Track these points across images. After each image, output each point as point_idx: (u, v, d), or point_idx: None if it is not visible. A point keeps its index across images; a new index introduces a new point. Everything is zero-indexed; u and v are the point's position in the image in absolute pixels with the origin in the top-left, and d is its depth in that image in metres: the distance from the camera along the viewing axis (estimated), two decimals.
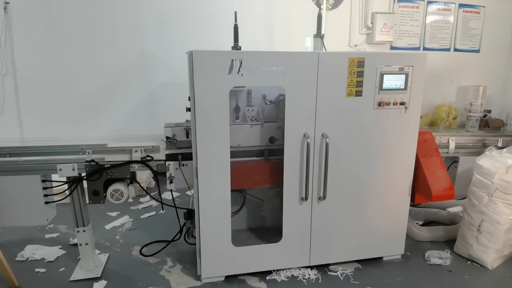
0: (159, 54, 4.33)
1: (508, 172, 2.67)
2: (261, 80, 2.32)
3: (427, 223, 3.51)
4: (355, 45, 5.02)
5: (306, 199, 2.52)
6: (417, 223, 3.44)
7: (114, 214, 3.71)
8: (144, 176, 4.20)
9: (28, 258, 2.90)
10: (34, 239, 3.18)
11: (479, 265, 2.82)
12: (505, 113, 5.32)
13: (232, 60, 2.22)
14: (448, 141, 3.11)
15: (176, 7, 4.30)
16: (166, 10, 4.29)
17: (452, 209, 3.62)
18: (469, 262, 2.87)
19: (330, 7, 4.81)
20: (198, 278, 2.62)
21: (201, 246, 2.50)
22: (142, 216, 3.67)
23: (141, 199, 4.06)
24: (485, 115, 5.35)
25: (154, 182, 4.33)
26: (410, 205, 3.49)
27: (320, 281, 2.61)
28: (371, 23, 4.88)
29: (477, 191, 2.76)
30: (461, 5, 5.20)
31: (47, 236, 3.27)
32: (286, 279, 2.62)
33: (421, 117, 5.51)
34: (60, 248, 3.05)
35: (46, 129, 4.25)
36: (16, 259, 2.89)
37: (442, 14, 5.18)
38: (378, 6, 4.87)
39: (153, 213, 3.74)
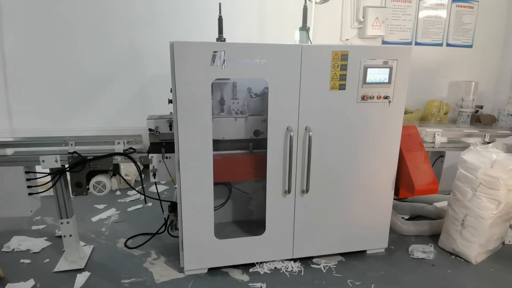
0: (150, 46, 4.30)
1: (493, 167, 2.68)
2: (244, 72, 2.31)
3: (413, 218, 3.53)
4: (347, 39, 5.00)
5: (289, 192, 2.52)
6: (403, 217, 3.46)
7: (101, 206, 3.72)
8: (132, 169, 4.20)
9: (14, 249, 2.90)
10: (20, 231, 3.18)
11: (463, 260, 2.83)
12: (497, 109, 5.35)
13: (214, 51, 2.21)
14: (434, 136, 3.10)
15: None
16: (157, 2, 4.26)
17: (439, 204, 3.63)
18: (453, 256, 2.88)
19: (322, 1, 4.78)
20: (181, 270, 2.62)
21: (184, 239, 2.50)
22: (129, 209, 3.67)
23: (129, 192, 4.07)
24: (477, 111, 5.37)
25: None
26: (396, 199, 3.52)
27: (302, 274, 2.63)
28: (363, 17, 4.86)
29: (461, 185, 2.77)
30: (454, 0, 5.18)
31: (34, 227, 3.27)
32: (269, 272, 2.63)
33: (412, 112, 5.54)
34: (45, 240, 3.05)
35: (35, 121, 4.23)
36: (2, 250, 2.90)
37: (435, 8, 5.16)
38: (370, 0, 4.85)
39: (140, 206, 3.74)
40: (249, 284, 2.50)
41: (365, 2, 4.83)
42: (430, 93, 5.50)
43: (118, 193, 4.06)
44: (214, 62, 2.22)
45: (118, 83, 4.40)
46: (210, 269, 2.64)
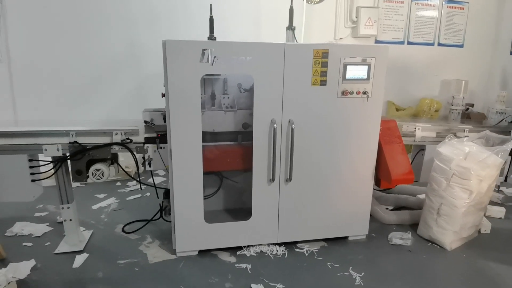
0: (148, 45, 4.50)
1: (466, 158, 2.85)
2: (231, 69, 2.50)
3: (397, 208, 3.70)
4: (340, 38, 5.17)
5: (273, 180, 2.71)
6: (387, 208, 3.63)
7: (101, 196, 3.92)
8: (133, 162, 4.38)
9: (16, 234, 3.10)
10: (23, 217, 3.38)
11: (438, 246, 3.00)
12: (487, 107, 5.50)
13: (204, 49, 2.40)
14: (415, 130, 3.27)
15: None
16: (155, 2, 4.45)
17: (422, 196, 3.80)
18: (430, 243, 3.05)
19: (317, 1, 4.95)
20: (173, 252, 2.81)
21: (176, 223, 2.69)
22: (127, 198, 3.87)
23: (129, 183, 4.27)
24: (467, 109, 5.52)
25: (142, 168, 4.52)
26: (380, 190, 3.70)
27: (286, 257, 2.81)
28: (356, 17, 5.02)
29: (436, 176, 2.94)
30: (445, 1, 5.33)
31: (36, 214, 3.48)
32: (255, 254, 2.82)
33: (404, 110, 5.69)
34: (47, 225, 3.25)
35: (38, 114, 4.43)
36: (6, 234, 3.10)
37: (426, 9, 5.31)
38: (363, 0, 5.01)
39: (139, 195, 3.94)
40: (235, 265, 2.69)
41: (358, 2, 4.99)
42: (422, 91, 5.65)
43: (118, 183, 4.26)
44: (203, 59, 2.41)
45: (118, 80, 4.59)
46: (201, 251, 2.83)
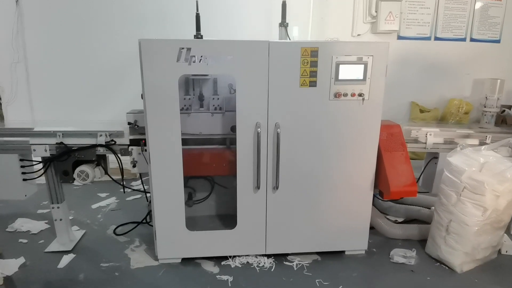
0: None
1: (482, 170, 2.51)
2: (211, 68, 2.35)
3: (408, 221, 3.38)
4: (358, 35, 4.85)
5: (259, 188, 2.53)
6: (396, 220, 3.33)
7: (103, 195, 3.94)
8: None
9: (16, 230, 3.18)
10: (26, 214, 3.46)
11: (447, 268, 2.68)
12: None
13: (180, 48, 2.27)
14: (426, 136, 2.95)
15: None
16: (164, 1, 4.40)
17: None
18: (438, 264, 2.74)
19: None
20: (157, 258, 2.73)
21: (156, 229, 2.60)
22: (127, 198, 3.86)
23: (133, 183, 4.27)
24: (503, 111, 4.98)
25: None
26: (391, 201, 3.40)
27: (272, 270, 2.63)
28: (376, 11, 4.69)
29: (446, 189, 2.62)
30: None
31: (39, 211, 3.55)
32: (240, 265, 2.67)
33: (429, 111, 5.26)
34: (46, 223, 3.29)
35: (54, 113, 4.55)
36: (7, 230, 3.18)
37: (457, 1, 4.85)
38: None
39: (139, 196, 3.92)
40: (217, 276, 2.55)
41: None
42: (452, 91, 5.20)
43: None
44: (180, 58, 2.28)
45: (129, 79, 4.61)
46: (185, 259, 2.72)
